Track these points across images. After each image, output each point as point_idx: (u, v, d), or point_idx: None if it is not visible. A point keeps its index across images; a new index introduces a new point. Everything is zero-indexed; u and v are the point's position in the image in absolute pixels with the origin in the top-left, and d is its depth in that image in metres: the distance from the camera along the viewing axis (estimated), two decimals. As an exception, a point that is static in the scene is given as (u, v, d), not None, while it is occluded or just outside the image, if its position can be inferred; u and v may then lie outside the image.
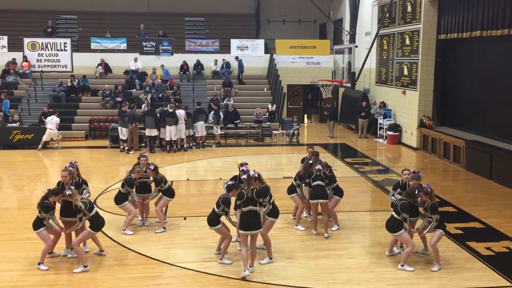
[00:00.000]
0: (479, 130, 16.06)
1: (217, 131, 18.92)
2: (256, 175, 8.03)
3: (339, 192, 9.74)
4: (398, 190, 8.61)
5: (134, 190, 9.52)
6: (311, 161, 9.72)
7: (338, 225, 9.77)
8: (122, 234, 9.34)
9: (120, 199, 9.38)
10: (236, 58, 24.02)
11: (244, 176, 7.85)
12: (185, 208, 11.03)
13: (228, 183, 8.01)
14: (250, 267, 7.77)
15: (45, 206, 7.78)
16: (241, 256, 7.71)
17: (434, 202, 7.91)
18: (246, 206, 7.65)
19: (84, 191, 8.60)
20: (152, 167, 9.60)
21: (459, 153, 15.50)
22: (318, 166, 9.23)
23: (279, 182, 12.41)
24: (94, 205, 8.22)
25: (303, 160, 10.43)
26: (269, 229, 8.25)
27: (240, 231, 7.77)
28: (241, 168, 8.85)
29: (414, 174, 8.49)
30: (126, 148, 17.55)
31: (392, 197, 8.62)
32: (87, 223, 8.10)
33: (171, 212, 10.58)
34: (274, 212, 8.21)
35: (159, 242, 9.06)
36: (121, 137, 17.70)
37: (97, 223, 8.00)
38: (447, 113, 18.22)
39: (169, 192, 9.74)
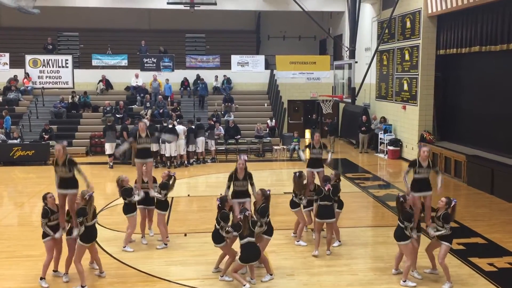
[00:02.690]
0: (480, 144, 16.05)
1: (210, 146, 18.89)
2: (267, 193, 8.30)
3: (340, 204, 9.70)
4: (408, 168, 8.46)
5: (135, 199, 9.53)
6: (297, 174, 9.65)
7: (339, 241, 9.71)
8: (123, 251, 9.29)
9: (127, 209, 9.44)
10: (201, 80, 23.55)
11: (241, 216, 7.79)
12: (185, 225, 10.99)
13: (218, 198, 8.10)
14: (251, 279, 7.81)
15: (43, 211, 7.78)
16: (237, 279, 7.74)
17: (447, 212, 7.77)
18: (244, 239, 7.65)
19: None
20: (172, 174, 9.67)
21: (460, 168, 15.47)
22: (328, 186, 9.17)
23: (280, 198, 12.36)
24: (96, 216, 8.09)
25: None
26: (264, 247, 8.26)
27: (239, 262, 7.75)
28: (239, 161, 8.93)
29: (421, 144, 8.33)
30: (111, 164, 17.69)
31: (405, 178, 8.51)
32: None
33: (171, 228, 10.51)
34: (269, 230, 8.26)
35: (159, 258, 9.01)
36: (107, 152, 17.84)
37: (87, 235, 7.78)
38: (447, 127, 18.22)
39: (163, 205, 9.66)
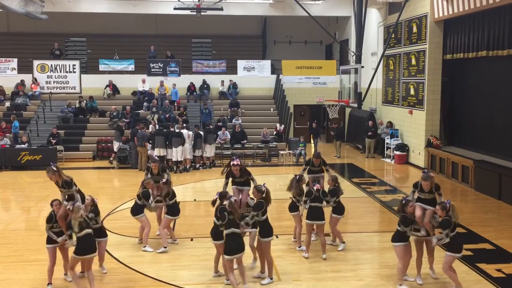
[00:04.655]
0: (487, 149, 15.97)
1: (206, 151, 18.71)
2: (263, 188, 8.08)
3: (340, 209, 9.48)
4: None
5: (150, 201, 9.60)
6: (297, 177, 9.53)
7: (344, 243, 9.65)
8: (142, 251, 9.43)
9: (136, 210, 9.53)
10: (205, 106, 22.94)
11: (226, 202, 7.66)
12: (192, 229, 10.99)
13: (218, 192, 8.01)
14: (244, 284, 7.77)
15: (48, 216, 7.82)
16: (231, 282, 7.65)
17: (445, 218, 7.48)
18: (228, 228, 7.54)
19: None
20: (164, 180, 9.71)
21: (468, 173, 15.40)
22: (317, 186, 9.14)
23: (286, 203, 12.24)
24: (91, 226, 7.71)
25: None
26: (267, 250, 8.13)
27: (225, 257, 7.59)
28: (232, 165, 8.93)
29: (424, 174, 8.11)
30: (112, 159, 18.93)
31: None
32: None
33: (178, 233, 10.53)
34: (266, 231, 8.05)
35: (166, 263, 9.02)
36: (115, 149, 19.04)
37: (80, 247, 7.40)
38: (454, 132, 18.16)
39: (172, 210, 9.69)
